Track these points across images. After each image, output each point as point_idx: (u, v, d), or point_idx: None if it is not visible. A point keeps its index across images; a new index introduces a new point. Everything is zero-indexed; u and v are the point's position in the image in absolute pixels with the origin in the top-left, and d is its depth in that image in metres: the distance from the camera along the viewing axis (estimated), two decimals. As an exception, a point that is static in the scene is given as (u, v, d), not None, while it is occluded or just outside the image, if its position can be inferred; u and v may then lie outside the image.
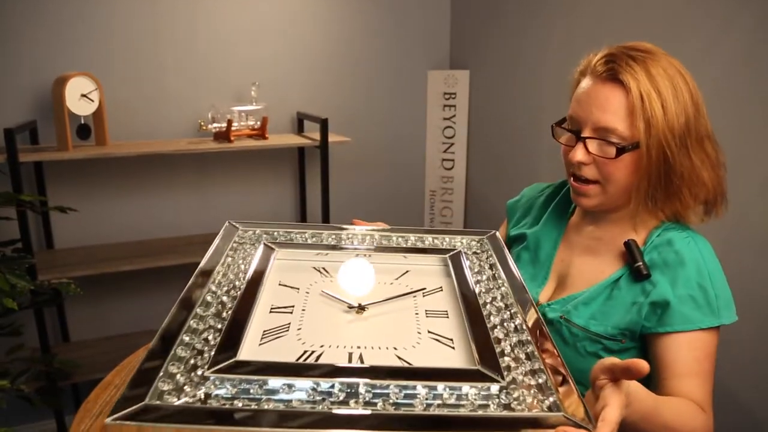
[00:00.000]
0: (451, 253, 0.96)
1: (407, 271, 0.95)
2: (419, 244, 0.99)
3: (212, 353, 0.66)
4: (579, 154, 0.97)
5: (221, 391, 0.60)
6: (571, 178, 1.02)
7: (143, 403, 0.57)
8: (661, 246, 0.99)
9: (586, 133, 0.97)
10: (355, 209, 2.78)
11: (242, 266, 0.89)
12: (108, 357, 2.20)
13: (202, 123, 2.25)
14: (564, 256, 1.12)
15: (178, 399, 0.58)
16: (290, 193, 2.66)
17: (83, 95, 2.05)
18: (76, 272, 2.02)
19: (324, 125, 2.25)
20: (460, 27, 2.75)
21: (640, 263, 0.97)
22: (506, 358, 0.64)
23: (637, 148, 0.93)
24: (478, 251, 0.97)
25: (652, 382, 0.94)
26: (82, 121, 2.11)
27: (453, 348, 0.71)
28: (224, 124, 2.25)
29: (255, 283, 0.84)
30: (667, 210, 1.00)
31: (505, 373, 0.62)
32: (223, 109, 2.29)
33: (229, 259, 0.90)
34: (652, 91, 0.91)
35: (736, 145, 1.53)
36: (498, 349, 0.66)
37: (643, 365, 0.64)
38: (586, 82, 0.99)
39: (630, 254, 0.99)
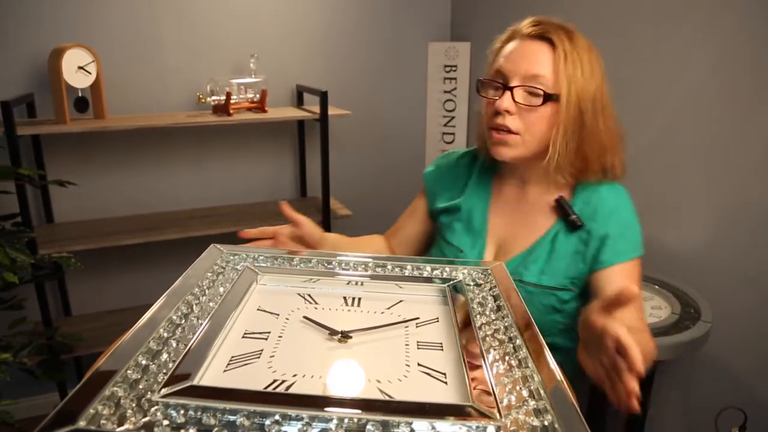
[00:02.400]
0: (451, 282, 0.83)
1: (401, 301, 0.81)
2: (416, 274, 0.85)
3: (167, 377, 0.53)
4: (506, 102, 0.98)
5: (168, 419, 0.48)
6: (492, 131, 1.02)
7: (73, 426, 0.46)
8: (588, 197, 1.04)
9: (514, 83, 0.98)
10: (356, 183, 2.63)
11: (221, 289, 0.75)
12: (110, 330, 2.10)
13: (201, 96, 2.09)
14: (497, 220, 1.12)
15: (119, 425, 0.47)
16: (290, 166, 2.50)
17: (80, 67, 1.90)
18: (76, 246, 1.90)
19: (324, 98, 2.09)
20: (461, -2, 2.57)
21: (574, 216, 1.01)
22: (506, 395, 0.50)
23: (558, 100, 0.97)
24: (482, 282, 0.82)
25: None
26: (80, 94, 1.97)
27: (445, 383, 0.58)
28: (223, 97, 2.09)
29: (230, 306, 0.71)
30: (574, 166, 1.03)
31: (505, 413, 0.48)
32: (222, 81, 2.13)
33: (207, 281, 0.77)
34: (575, 54, 0.97)
35: (732, 121, 1.45)
36: (498, 385, 0.52)
37: (633, 288, 0.62)
38: (513, 43, 1.02)
39: (561, 209, 1.03)
